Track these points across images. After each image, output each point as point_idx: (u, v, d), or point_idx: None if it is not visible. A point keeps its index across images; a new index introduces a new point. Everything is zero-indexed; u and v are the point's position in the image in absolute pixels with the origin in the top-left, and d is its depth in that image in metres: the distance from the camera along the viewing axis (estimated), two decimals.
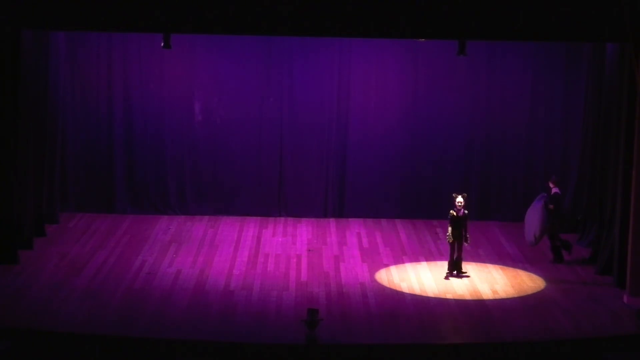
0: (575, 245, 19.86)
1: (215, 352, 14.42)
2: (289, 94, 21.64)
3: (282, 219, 21.69)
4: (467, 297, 16.78)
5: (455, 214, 17.49)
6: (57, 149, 20.50)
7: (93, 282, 17.04)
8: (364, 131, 21.79)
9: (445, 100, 21.66)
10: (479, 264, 18.66)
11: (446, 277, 17.51)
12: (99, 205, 21.62)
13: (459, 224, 17.50)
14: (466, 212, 17.59)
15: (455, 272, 17.60)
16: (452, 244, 17.56)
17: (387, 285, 17.26)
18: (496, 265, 18.59)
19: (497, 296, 16.87)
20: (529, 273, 18.14)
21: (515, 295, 16.93)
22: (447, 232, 17.61)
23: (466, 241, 17.64)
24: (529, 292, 17.15)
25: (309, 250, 19.34)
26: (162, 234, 20.27)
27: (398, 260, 18.76)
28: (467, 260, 18.78)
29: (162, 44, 17.93)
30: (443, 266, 18.19)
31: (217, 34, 19.59)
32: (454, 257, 17.61)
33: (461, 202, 17.50)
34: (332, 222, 21.55)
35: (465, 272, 17.68)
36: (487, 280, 17.65)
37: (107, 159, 21.62)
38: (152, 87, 21.56)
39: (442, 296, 16.75)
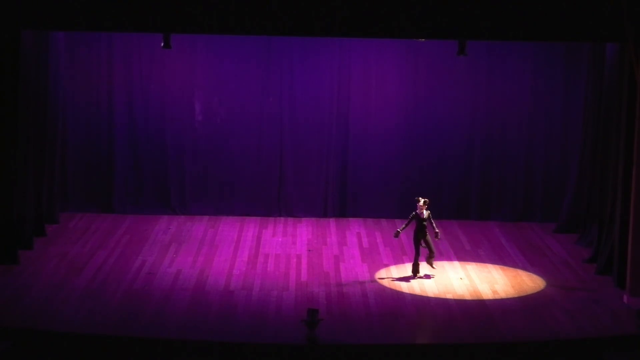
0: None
1: (215, 352, 14.42)
2: (289, 94, 21.64)
3: (282, 219, 21.69)
4: (467, 297, 16.78)
5: (417, 215, 17.54)
6: (57, 149, 20.50)
7: (93, 282, 17.04)
8: (364, 131, 21.80)
9: (445, 101, 21.66)
10: (479, 264, 18.66)
11: (413, 278, 17.51)
12: (99, 205, 21.63)
13: (422, 225, 17.50)
14: (428, 212, 17.59)
15: (415, 273, 17.61)
16: (417, 246, 17.55)
17: (387, 286, 17.27)
18: (496, 265, 18.59)
19: (497, 296, 16.87)
20: (529, 273, 18.15)
21: (515, 295, 16.93)
22: (400, 228, 17.69)
23: (436, 236, 17.72)
24: (529, 292, 17.15)
25: (309, 250, 19.35)
26: (162, 234, 20.27)
27: (398, 260, 18.75)
28: (467, 260, 18.83)
29: (162, 44, 17.95)
30: (443, 266, 18.22)
31: (217, 34, 19.59)
32: (418, 258, 17.60)
33: (421, 206, 17.50)
34: (332, 222, 21.55)
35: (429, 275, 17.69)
36: (487, 280, 17.65)
37: (107, 159, 21.62)
38: (152, 87, 21.56)
39: (442, 296, 16.76)
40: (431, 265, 17.71)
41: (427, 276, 17.60)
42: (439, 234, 17.85)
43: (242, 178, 21.85)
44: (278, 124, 21.72)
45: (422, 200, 17.61)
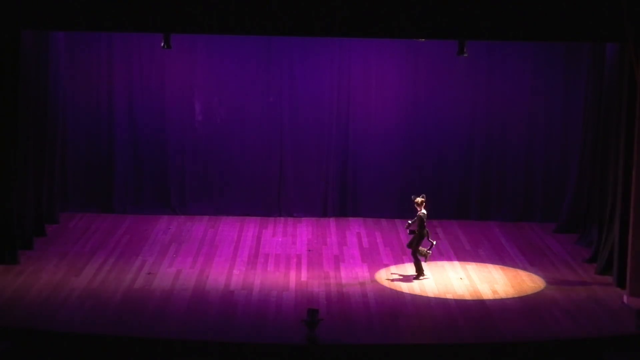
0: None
1: (215, 352, 14.42)
2: (289, 94, 21.63)
3: (282, 219, 21.68)
4: (467, 297, 16.78)
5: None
6: (57, 149, 20.49)
7: (93, 282, 17.04)
8: (364, 131, 21.79)
9: (445, 101, 21.66)
10: (479, 264, 18.66)
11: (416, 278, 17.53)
12: (99, 205, 21.62)
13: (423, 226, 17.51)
14: (424, 212, 17.52)
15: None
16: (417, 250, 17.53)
17: (387, 286, 17.27)
18: (496, 265, 18.58)
19: (497, 296, 16.87)
20: (529, 273, 18.14)
21: (515, 295, 16.93)
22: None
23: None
24: (529, 292, 17.15)
25: (309, 251, 19.34)
26: (162, 234, 20.27)
27: (398, 260, 18.75)
28: (467, 260, 18.82)
29: (162, 44, 17.95)
30: (443, 266, 18.22)
31: (217, 34, 19.59)
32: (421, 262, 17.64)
33: (419, 205, 17.45)
34: (332, 222, 21.54)
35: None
36: (487, 280, 17.65)
37: (107, 159, 21.61)
38: (152, 87, 21.54)
39: (442, 296, 16.75)
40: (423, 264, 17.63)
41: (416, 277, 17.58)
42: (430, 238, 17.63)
43: (242, 178, 21.84)
44: (278, 124, 21.71)
45: (419, 199, 17.53)
